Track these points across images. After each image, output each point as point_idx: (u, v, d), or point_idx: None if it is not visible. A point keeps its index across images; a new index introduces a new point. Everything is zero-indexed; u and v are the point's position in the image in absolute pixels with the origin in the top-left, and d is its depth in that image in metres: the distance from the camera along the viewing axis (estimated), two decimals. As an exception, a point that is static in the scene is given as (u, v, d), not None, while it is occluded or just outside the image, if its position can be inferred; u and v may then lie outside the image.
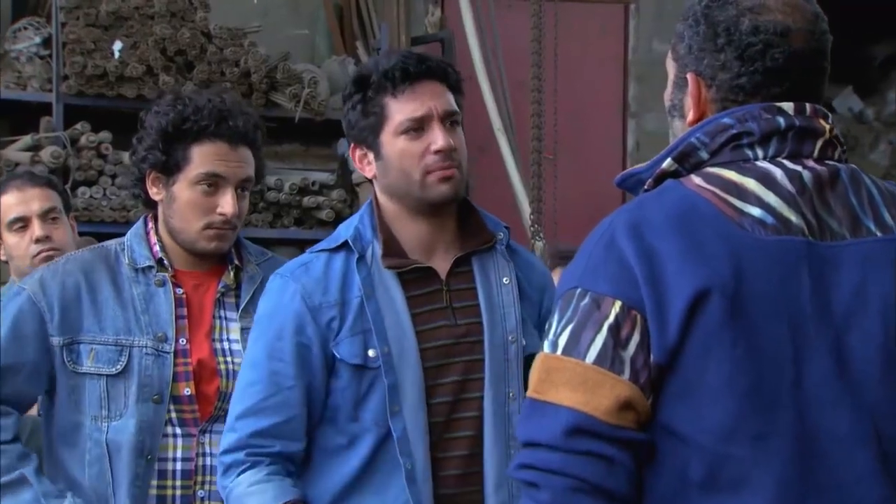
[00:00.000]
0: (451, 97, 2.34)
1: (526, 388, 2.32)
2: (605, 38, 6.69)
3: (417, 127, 2.30)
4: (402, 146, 2.30)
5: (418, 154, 2.29)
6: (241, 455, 2.30)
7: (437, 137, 2.29)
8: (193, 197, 2.58)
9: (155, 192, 2.62)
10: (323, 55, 6.06)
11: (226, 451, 2.31)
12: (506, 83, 5.71)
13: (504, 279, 2.38)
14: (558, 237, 5.31)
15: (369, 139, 2.34)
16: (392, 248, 2.33)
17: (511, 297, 2.37)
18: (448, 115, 2.32)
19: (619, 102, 6.80)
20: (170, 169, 2.58)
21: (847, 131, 7.24)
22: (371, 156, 2.35)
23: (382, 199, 2.38)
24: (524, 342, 2.37)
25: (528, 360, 2.33)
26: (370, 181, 2.41)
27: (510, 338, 2.35)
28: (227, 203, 2.57)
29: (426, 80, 2.32)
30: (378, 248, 2.33)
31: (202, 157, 2.57)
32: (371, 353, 2.28)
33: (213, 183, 2.57)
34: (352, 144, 2.38)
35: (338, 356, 2.29)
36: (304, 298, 2.30)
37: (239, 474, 2.29)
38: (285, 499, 2.25)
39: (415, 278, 2.34)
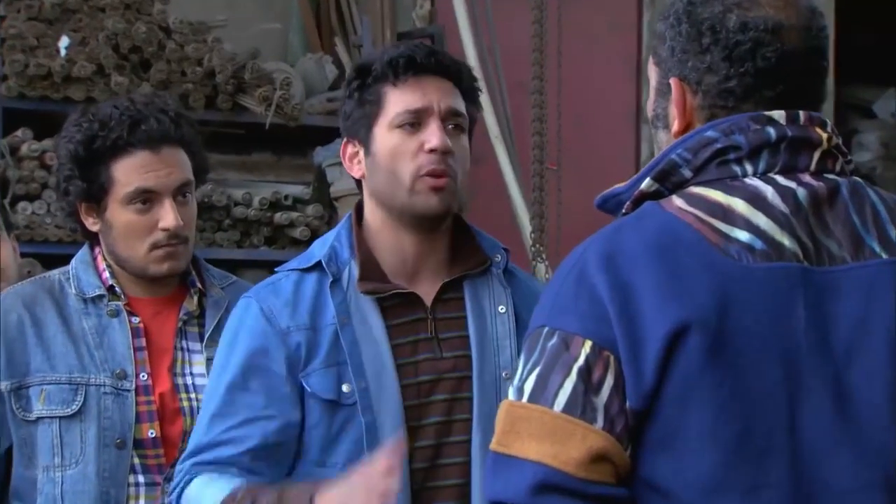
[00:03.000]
0: (459, 99, 2.35)
1: None
2: (615, 33, 6.71)
3: (414, 121, 2.31)
4: (395, 141, 2.31)
5: (410, 152, 2.30)
6: (192, 470, 2.28)
7: (432, 135, 2.30)
8: (129, 219, 2.60)
9: (91, 223, 2.64)
10: (297, 53, 6.07)
11: (175, 484, 2.29)
12: (504, 84, 5.72)
13: (500, 307, 2.38)
14: (563, 258, 5.32)
15: (362, 132, 2.36)
16: (370, 270, 2.34)
17: (507, 327, 2.37)
18: (451, 114, 2.33)
19: (632, 106, 6.81)
20: (96, 195, 2.60)
21: (891, 138, 7.28)
22: (361, 153, 2.37)
23: (369, 206, 2.39)
24: None
25: None
26: (351, 195, 2.43)
27: (504, 374, 2.34)
28: (166, 216, 2.58)
29: (433, 74, 2.34)
30: (355, 271, 2.34)
31: (125, 174, 2.59)
32: (345, 387, 2.28)
33: (146, 199, 2.60)
34: (344, 139, 2.40)
35: (308, 389, 2.29)
36: (269, 320, 2.32)
37: (187, 483, 2.27)
38: (235, 485, 2.19)
39: (396, 305, 2.34)
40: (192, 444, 2.33)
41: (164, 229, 2.59)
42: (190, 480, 2.27)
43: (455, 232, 2.41)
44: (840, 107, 6.80)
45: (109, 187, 2.59)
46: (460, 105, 2.35)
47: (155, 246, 2.60)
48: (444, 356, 2.34)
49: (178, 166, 2.63)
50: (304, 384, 2.30)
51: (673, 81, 1.77)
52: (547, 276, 5.11)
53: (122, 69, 5.24)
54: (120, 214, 2.60)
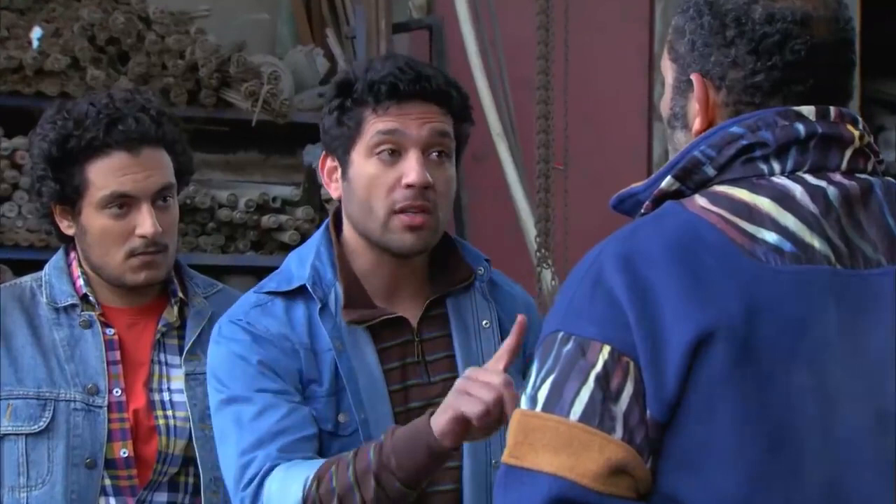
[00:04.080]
0: (446, 124, 2.35)
1: None
2: (626, 25, 6.70)
3: (393, 149, 2.31)
4: (372, 171, 2.32)
5: (387, 185, 2.30)
6: (265, 466, 2.25)
7: (411, 170, 2.29)
8: (104, 224, 2.59)
9: (66, 226, 2.64)
10: (286, 45, 6.06)
11: (247, 482, 2.26)
12: (506, 79, 5.71)
13: (483, 322, 2.41)
14: (570, 265, 5.30)
15: (339, 152, 2.37)
16: (355, 296, 2.35)
17: (492, 343, 2.39)
18: (435, 141, 2.33)
19: (644, 102, 6.80)
20: (70, 198, 2.59)
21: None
22: (339, 172, 2.38)
23: (347, 226, 2.40)
24: None
25: None
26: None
27: None
28: (144, 222, 2.58)
29: (418, 101, 2.33)
30: (342, 293, 2.35)
31: (100, 177, 2.58)
32: (342, 417, 2.30)
33: (122, 203, 2.59)
34: (323, 153, 2.41)
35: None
36: (270, 340, 2.31)
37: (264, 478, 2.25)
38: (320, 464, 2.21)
39: (384, 328, 2.36)
40: (246, 442, 2.28)
41: (142, 236, 2.58)
42: (269, 471, 2.25)
43: (437, 245, 2.42)
44: (865, 102, 6.80)
45: (84, 190, 2.58)
46: (446, 127, 2.35)
47: (132, 253, 2.60)
48: (431, 381, 2.36)
49: (158, 169, 2.62)
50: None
51: (694, 77, 1.78)
52: (553, 283, 5.09)
53: (99, 62, 5.22)
54: (95, 219, 2.59)
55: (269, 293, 2.37)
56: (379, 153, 2.31)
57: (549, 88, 5.17)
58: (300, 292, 2.36)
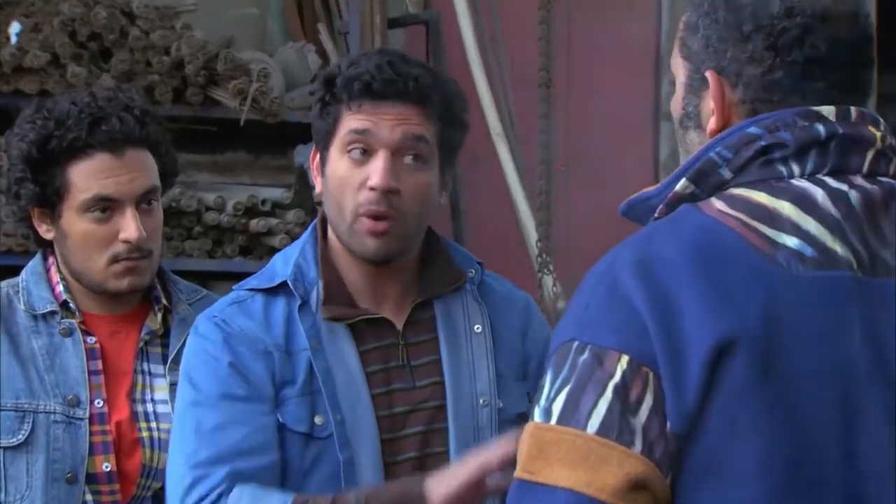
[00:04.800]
0: (423, 128, 2.35)
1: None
2: (631, 19, 6.70)
3: (364, 149, 2.33)
4: (343, 170, 2.34)
5: (354, 185, 2.33)
6: (221, 486, 2.26)
7: (375, 172, 2.31)
8: (86, 228, 2.59)
9: (45, 230, 2.64)
10: (276, 41, 6.05)
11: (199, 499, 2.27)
12: (506, 76, 5.71)
13: (475, 326, 2.41)
14: (572, 271, 5.30)
15: (321, 147, 2.40)
16: (335, 293, 2.36)
17: (483, 348, 2.41)
18: (409, 145, 2.33)
19: (650, 100, 6.81)
20: (50, 201, 2.59)
21: None
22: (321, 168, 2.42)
23: (329, 224, 2.42)
24: (500, 404, 2.39)
25: (511, 425, 2.36)
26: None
27: (481, 401, 2.38)
28: (128, 227, 2.58)
29: (394, 100, 2.34)
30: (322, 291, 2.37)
31: (83, 179, 2.58)
32: (318, 419, 2.31)
33: (105, 207, 2.59)
34: (314, 146, 2.43)
35: (279, 419, 2.31)
36: (242, 340, 2.33)
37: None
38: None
39: (366, 329, 2.38)
40: (202, 455, 2.28)
41: (125, 241, 2.59)
42: (225, 492, 2.25)
43: (425, 246, 2.43)
44: (881, 98, 6.80)
45: (65, 193, 2.58)
46: (423, 130, 2.35)
47: (114, 259, 2.60)
48: (416, 385, 2.37)
49: (142, 171, 2.62)
50: (276, 414, 2.32)
51: (709, 74, 1.78)
52: (554, 289, 5.09)
53: (80, 59, 5.22)
54: (76, 223, 2.59)
55: (250, 290, 2.39)
56: (350, 151, 2.33)
57: (551, 86, 5.17)
58: (282, 289, 2.37)
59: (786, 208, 1.70)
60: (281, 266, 2.41)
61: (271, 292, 2.38)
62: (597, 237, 6.34)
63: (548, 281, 5.20)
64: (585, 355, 1.67)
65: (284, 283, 2.37)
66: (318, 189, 2.42)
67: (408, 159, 2.34)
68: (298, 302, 2.35)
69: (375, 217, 2.31)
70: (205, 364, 2.34)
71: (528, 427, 1.69)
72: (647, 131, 6.79)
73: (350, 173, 2.33)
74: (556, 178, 5.37)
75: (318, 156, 2.41)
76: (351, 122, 2.33)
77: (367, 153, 2.33)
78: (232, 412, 2.29)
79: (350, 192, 2.32)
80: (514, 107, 5.67)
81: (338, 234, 2.37)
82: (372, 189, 2.30)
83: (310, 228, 2.45)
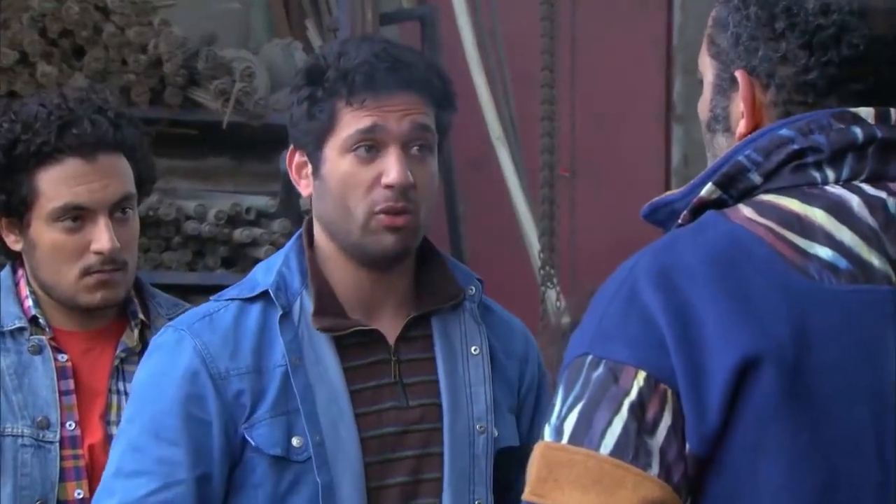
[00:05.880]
0: (427, 116, 2.36)
1: (496, 493, 2.34)
2: (640, 14, 6.71)
3: (370, 146, 2.32)
4: (348, 169, 2.33)
5: (365, 184, 2.31)
6: None
7: (391, 168, 2.30)
8: (56, 239, 2.59)
9: (13, 241, 2.64)
10: (261, 38, 6.06)
11: None
12: (507, 76, 5.72)
13: (473, 348, 2.41)
14: (577, 284, 5.30)
15: (310, 147, 2.37)
16: (326, 304, 2.35)
17: (481, 371, 2.40)
18: (416, 134, 2.34)
19: (661, 101, 6.82)
20: (17, 209, 2.59)
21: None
22: (310, 168, 2.39)
23: (318, 229, 2.41)
24: (496, 432, 2.39)
25: (499, 457, 2.39)
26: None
27: (478, 427, 2.37)
28: (101, 237, 2.58)
29: (397, 90, 2.34)
30: (308, 303, 2.35)
31: (52, 186, 2.58)
32: (296, 441, 2.30)
33: (76, 216, 2.59)
34: (291, 146, 2.41)
35: (252, 443, 2.30)
36: (204, 361, 2.32)
37: None
38: None
39: (355, 344, 2.37)
40: (116, 494, 2.30)
41: (98, 253, 2.58)
42: None
43: (423, 259, 2.43)
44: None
45: (33, 201, 2.58)
46: (427, 119, 2.36)
47: (86, 272, 2.60)
48: (410, 405, 2.37)
49: (116, 177, 2.62)
50: (246, 437, 2.31)
51: (739, 74, 1.77)
52: (558, 304, 5.09)
53: (51, 57, 5.22)
54: (45, 233, 2.59)
55: (226, 300, 2.39)
56: (355, 150, 2.32)
57: (555, 86, 5.17)
58: (261, 299, 2.37)
59: (819, 217, 1.69)
60: (262, 275, 2.40)
61: (248, 301, 2.37)
62: (604, 248, 6.34)
63: (551, 295, 5.21)
64: (599, 370, 1.66)
65: (264, 293, 2.36)
66: (304, 193, 2.41)
67: (415, 150, 2.34)
68: (279, 313, 2.34)
69: (394, 213, 2.31)
70: (155, 389, 2.34)
71: (538, 446, 1.68)
72: (657, 134, 6.80)
73: (357, 171, 2.32)
74: (560, 184, 5.37)
75: (298, 157, 2.39)
76: (354, 120, 2.32)
77: (374, 149, 2.32)
78: (154, 460, 2.29)
79: (360, 192, 2.31)
80: (515, 108, 5.67)
81: (342, 237, 2.34)
82: (389, 187, 2.30)
83: (294, 238, 2.43)
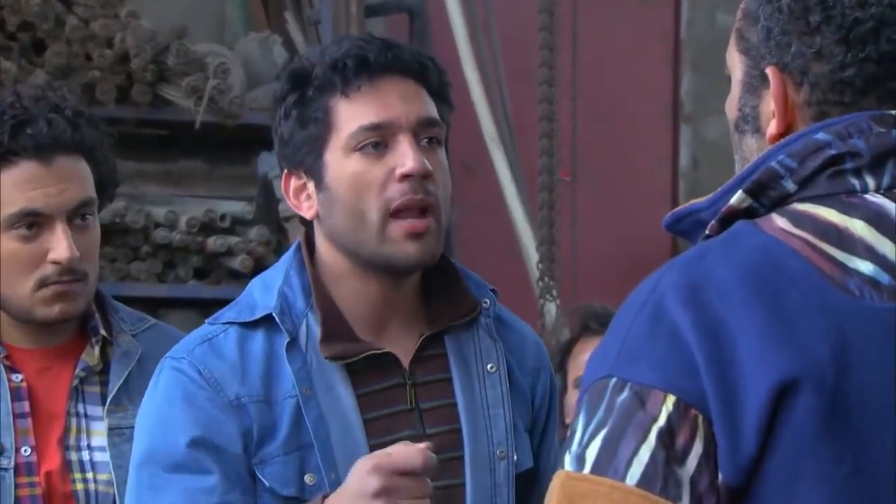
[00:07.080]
0: (430, 103, 2.34)
1: None
2: (646, 7, 6.72)
3: (378, 140, 2.29)
4: (356, 168, 2.29)
5: (378, 182, 2.28)
6: None
7: (406, 156, 2.27)
8: (9, 248, 2.59)
9: None
10: (237, 32, 6.07)
11: None
12: (502, 73, 5.72)
13: (489, 366, 2.39)
14: (578, 297, 5.29)
15: (308, 160, 2.33)
16: (335, 328, 2.32)
17: (498, 391, 2.39)
18: (424, 125, 2.31)
19: (668, 100, 6.83)
20: None
21: None
22: (311, 186, 2.34)
23: (325, 247, 2.37)
24: (516, 457, 2.38)
25: (518, 483, 2.39)
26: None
27: (499, 452, 2.37)
28: (58, 245, 2.57)
29: (393, 75, 2.32)
30: (315, 326, 2.33)
31: (5, 191, 2.60)
32: (309, 479, 2.28)
33: (32, 223, 2.58)
34: (284, 172, 2.38)
35: (264, 482, 2.29)
36: (213, 387, 2.29)
37: None
38: None
39: (367, 368, 2.34)
40: None
41: (55, 262, 2.58)
42: None
43: (434, 270, 2.40)
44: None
45: None
46: (433, 110, 2.34)
47: (43, 283, 2.59)
48: (427, 433, 2.34)
49: (74, 181, 2.62)
50: (257, 474, 2.29)
51: (770, 71, 1.77)
52: (558, 319, 5.07)
53: (9, 52, 5.22)
54: None
55: (224, 323, 2.35)
56: (361, 147, 2.29)
57: (554, 84, 5.17)
58: (262, 323, 2.34)
59: (859, 228, 1.69)
60: (261, 295, 2.36)
61: (248, 326, 2.34)
62: (607, 258, 6.34)
63: (551, 308, 5.20)
64: (625, 394, 1.66)
65: (267, 317, 2.33)
66: (308, 215, 2.35)
67: (424, 141, 2.31)
68: (286, 339, 2.31)
69: (415, 210, 2.27)
70: (162, 421, 2.31)
71: (558, 476, 1.67)
72: (664, 135, 6.81)
73: (367, 169, 2.28)
74: (560, 189, 5.37)
75: (294, 181, 2.36)
76: (354, 114, 2.29)
77: (382, 144, 2.29)
78: (182, 490, 2.27)
79: (373, 191, 2.27)
80: (512, 107, 5.66)
81: (358, 249, 2.31)
82: (405, 177, 2.26)
83: (291, 252, 2.39)
